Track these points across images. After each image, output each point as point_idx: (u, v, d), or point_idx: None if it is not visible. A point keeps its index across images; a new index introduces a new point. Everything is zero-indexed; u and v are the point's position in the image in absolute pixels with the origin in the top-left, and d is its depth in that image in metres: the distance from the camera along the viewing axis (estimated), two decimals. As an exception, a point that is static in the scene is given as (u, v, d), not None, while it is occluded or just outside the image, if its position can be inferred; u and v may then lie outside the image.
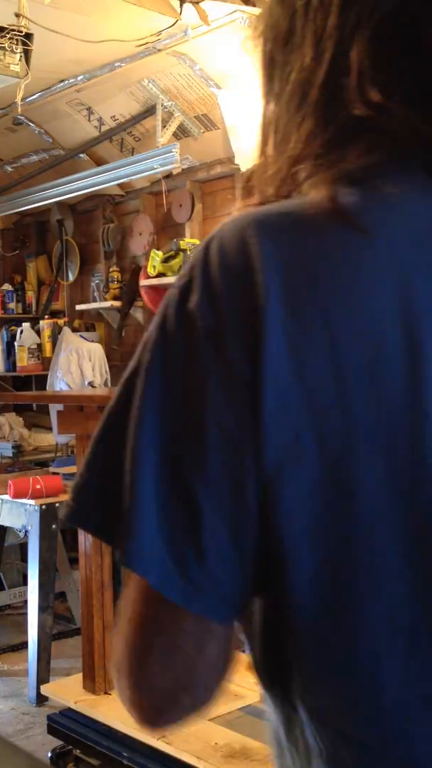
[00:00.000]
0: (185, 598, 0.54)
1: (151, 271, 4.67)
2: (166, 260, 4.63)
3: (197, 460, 0.54)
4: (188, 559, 0.53)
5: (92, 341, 5.10)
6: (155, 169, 4.34)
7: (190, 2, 3.43)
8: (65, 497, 3.33)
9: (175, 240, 4.67)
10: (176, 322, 0.56)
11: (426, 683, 0.54)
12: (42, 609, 3.47)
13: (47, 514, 3.40)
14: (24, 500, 3.38)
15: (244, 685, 2.48)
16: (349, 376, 0.53)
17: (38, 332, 5.49)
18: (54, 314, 5.78)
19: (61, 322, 5.42)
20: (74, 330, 5.25)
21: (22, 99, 3.17)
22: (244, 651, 0.61)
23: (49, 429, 4.96)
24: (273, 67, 0.63)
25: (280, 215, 0.57)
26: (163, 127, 4.41)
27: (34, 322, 5.62)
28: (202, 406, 0.54)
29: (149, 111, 4.47)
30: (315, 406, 0.53)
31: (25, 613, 3.60)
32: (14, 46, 2.88)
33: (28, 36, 2.92)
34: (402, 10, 0.57)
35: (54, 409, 4.09)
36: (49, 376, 4.88)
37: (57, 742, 2.73)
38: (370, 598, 0.53)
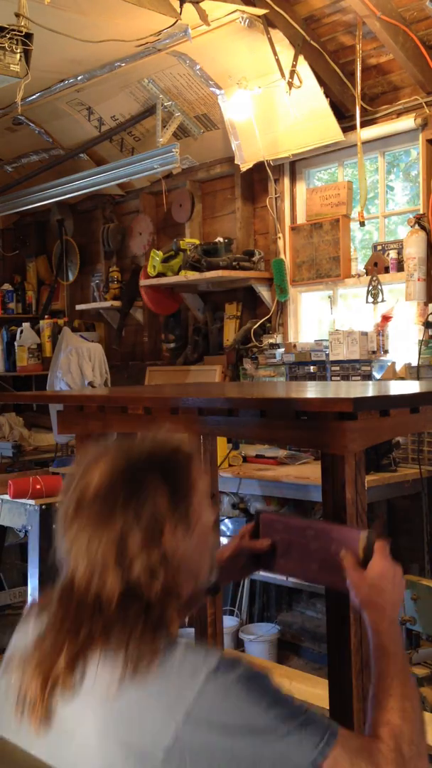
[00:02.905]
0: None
1: (151, 271, 4.67)
2: (166, 260, 4.63)
3: None
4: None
5: (92, 341, 5.10)
6: (155, 169, 4.34)
7: (190, 2, 3.43)
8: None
9: (175, 240, 4.67)
10: None
11: None
12: (42, 609, 3.46)
13: (47, 514, 3.39)
14: (24, 500, 3.38)
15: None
16: None
17: (38, 332, 5.49)
18: (54, 314, 5.78)
19: (61, 322, 5.42)
20: (74, 330, 5.25)
21: (22, 99, 3.17)
22: None
23: (49, 429, 4.96)
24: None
25: None
26: (163, 127, 4.41)
27: (34, 322, 5.62)
28: None
29: (149, 111, 4.47)
30: None
31: (25, 613, 3.60)
32: (14, 46, 2.88)
33: (28, 36, 2.92)
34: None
35: (54, 409, 4.08)
36: (48, 376, 4.88)
37: (57, 742, 2.72)
38: None
